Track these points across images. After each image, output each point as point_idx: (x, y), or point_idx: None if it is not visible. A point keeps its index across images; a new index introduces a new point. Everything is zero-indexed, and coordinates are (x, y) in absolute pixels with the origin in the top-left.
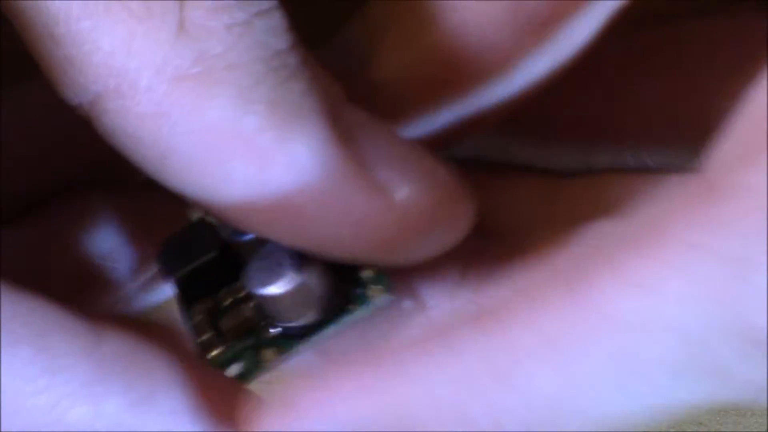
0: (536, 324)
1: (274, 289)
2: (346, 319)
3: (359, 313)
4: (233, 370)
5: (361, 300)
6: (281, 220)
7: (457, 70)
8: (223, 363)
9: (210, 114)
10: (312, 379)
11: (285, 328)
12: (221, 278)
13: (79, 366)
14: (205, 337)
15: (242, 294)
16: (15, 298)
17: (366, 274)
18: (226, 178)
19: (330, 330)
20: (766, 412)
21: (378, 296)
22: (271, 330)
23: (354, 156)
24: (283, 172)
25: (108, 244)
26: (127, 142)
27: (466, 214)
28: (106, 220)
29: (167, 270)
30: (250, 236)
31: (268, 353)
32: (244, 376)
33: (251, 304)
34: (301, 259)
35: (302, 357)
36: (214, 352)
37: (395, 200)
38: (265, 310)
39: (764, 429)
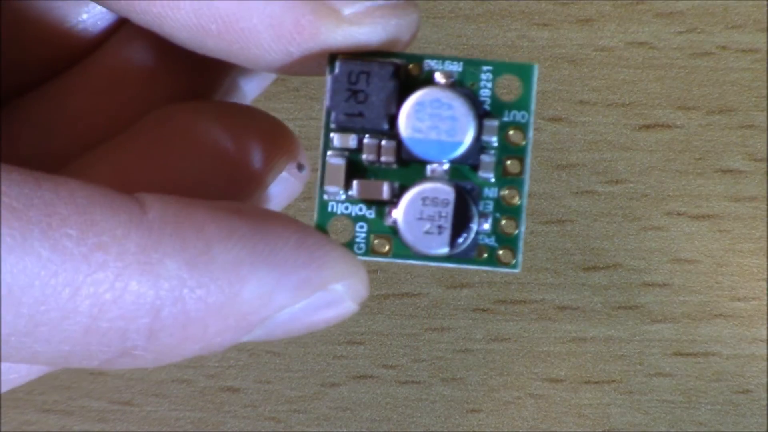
0: None
1: (434, 250)
2: (468, 266)
3: (479, 265)
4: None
5: (491, 260)
6: (240, 42)
7: None
8: (327, 217)
9: None
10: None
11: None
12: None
13: (130, 236)
14: (332, 188)
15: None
16: (52, 181)
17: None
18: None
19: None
20: (766, 412)
21: (509, 263)
22: (389, 220)
23: None
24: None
25: None
26: (173, 33)
27: (413, 14)
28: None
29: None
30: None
31: (379, 240)
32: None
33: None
34: (460, 226)
35: None
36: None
37: (344, 16)
38: (401, 234)
39: (764, 429)
